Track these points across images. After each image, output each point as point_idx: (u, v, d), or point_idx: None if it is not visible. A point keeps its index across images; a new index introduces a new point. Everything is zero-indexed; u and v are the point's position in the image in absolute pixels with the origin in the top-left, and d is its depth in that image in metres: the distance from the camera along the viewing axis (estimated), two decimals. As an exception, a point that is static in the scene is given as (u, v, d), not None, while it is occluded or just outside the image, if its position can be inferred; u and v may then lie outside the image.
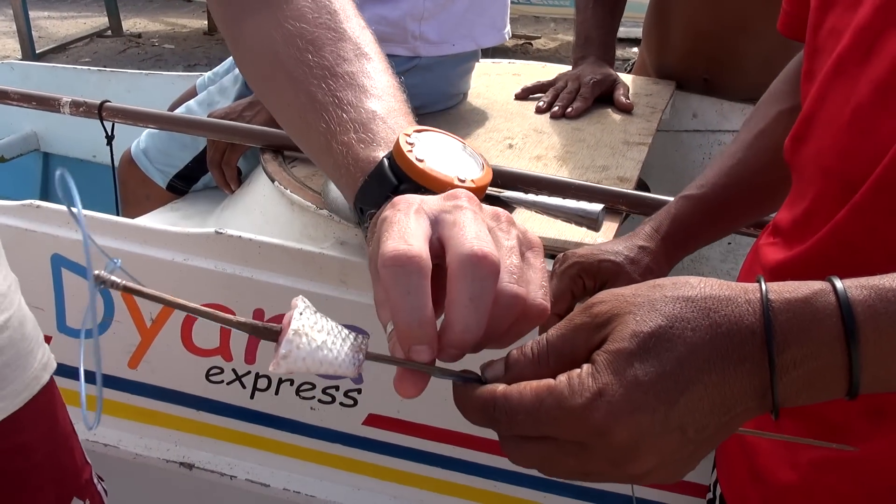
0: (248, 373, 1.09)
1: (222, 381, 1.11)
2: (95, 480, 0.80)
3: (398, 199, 0.46)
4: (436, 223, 0.44)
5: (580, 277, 0.74)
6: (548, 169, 1.11)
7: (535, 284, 0.44)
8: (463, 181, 0.52)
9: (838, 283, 0.41)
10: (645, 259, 0.74)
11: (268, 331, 0.42)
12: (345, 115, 0.55)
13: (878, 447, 0.56)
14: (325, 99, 0.56)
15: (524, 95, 1.47)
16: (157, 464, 1.16)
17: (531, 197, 0.87)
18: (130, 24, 5.91)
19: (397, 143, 0.52)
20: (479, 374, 0.44)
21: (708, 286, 0.42)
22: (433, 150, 0.53)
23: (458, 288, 0.41)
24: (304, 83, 0.57)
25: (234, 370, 1.10)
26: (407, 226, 0.43)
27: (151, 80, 1.94)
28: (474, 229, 0.43)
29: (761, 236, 0.68)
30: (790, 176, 0.65)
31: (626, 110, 1.41)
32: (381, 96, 0.57)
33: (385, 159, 0.53)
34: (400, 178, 0.52)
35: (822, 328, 0.40)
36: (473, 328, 0.42)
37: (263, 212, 1.12)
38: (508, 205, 0.90)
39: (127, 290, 0.40)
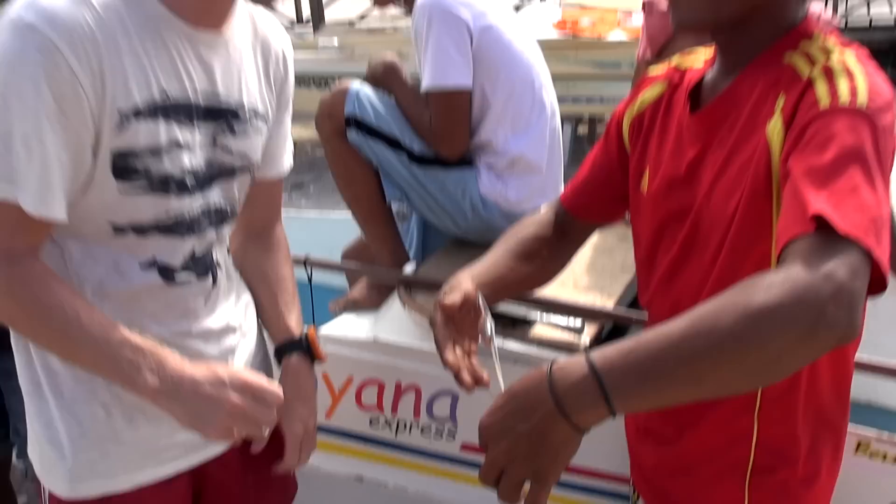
0: (395, 420, 1.84)
1: (378, 425, 1.87)
2: None
3: None
4: None
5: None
6: (564, 290, 1.80)
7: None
8: None
9: (591, 355, 0.82)
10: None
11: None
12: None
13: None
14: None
15: None
16: (340, 477, 1.93)
17: (537, 314, 1.62)
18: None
19: None
20: None
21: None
22: None
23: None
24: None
25: (385, 420, 1.85)
26: None
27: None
28: None
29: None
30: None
31: None
32: None
33: None
34: None
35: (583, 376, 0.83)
36: None
37: (399, 322, 1.89)
38: (527, 320, 1.63)
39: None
